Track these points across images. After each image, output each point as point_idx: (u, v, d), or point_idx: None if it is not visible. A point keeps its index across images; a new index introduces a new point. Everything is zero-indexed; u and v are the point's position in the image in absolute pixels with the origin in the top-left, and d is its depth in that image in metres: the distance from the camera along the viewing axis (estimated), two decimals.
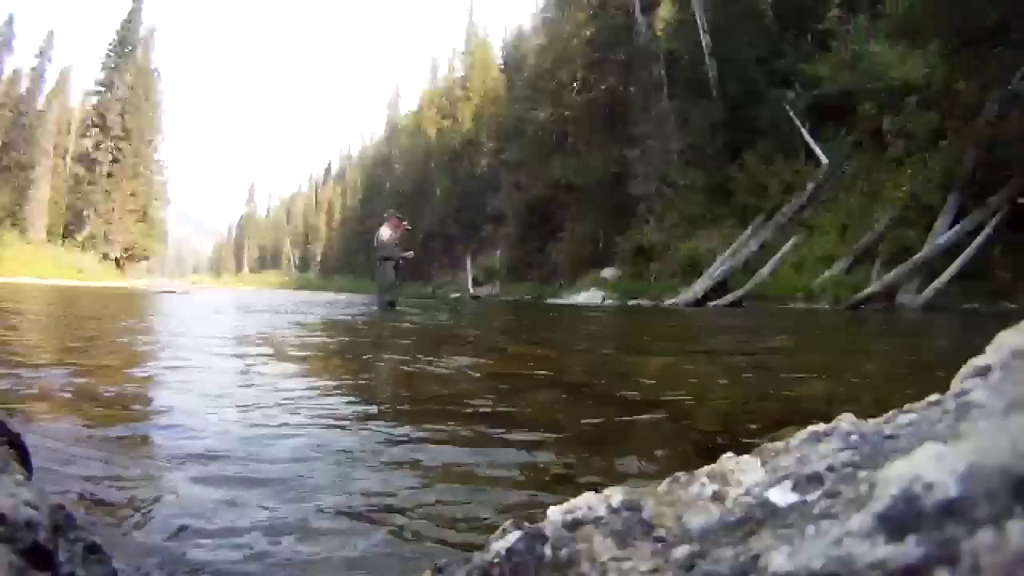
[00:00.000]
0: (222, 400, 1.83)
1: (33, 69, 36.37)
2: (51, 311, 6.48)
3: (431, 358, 3.18)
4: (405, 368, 2.77)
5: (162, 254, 52.92)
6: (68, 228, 35.88)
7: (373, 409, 1.82)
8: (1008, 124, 10.02)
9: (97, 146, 36.27)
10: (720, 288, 13.52)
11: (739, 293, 12.84)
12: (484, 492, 1.08)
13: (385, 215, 8.58)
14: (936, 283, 9.66)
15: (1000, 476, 0.26)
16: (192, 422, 1.51)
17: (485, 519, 0.94)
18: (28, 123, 34.91)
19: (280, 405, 1.79)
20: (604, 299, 16.16)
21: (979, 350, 0.45)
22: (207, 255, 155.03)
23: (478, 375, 2.55)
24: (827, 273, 11.71)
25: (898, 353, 3.94)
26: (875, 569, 0.26)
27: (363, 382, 2.30)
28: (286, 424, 1.55)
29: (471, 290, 26.43)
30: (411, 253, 9.07)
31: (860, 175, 13.98)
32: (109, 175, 36.12)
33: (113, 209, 35.71)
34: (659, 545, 0.39)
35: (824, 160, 15.20)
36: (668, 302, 13.88)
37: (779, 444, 0.51)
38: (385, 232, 8.13)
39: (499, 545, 0.43)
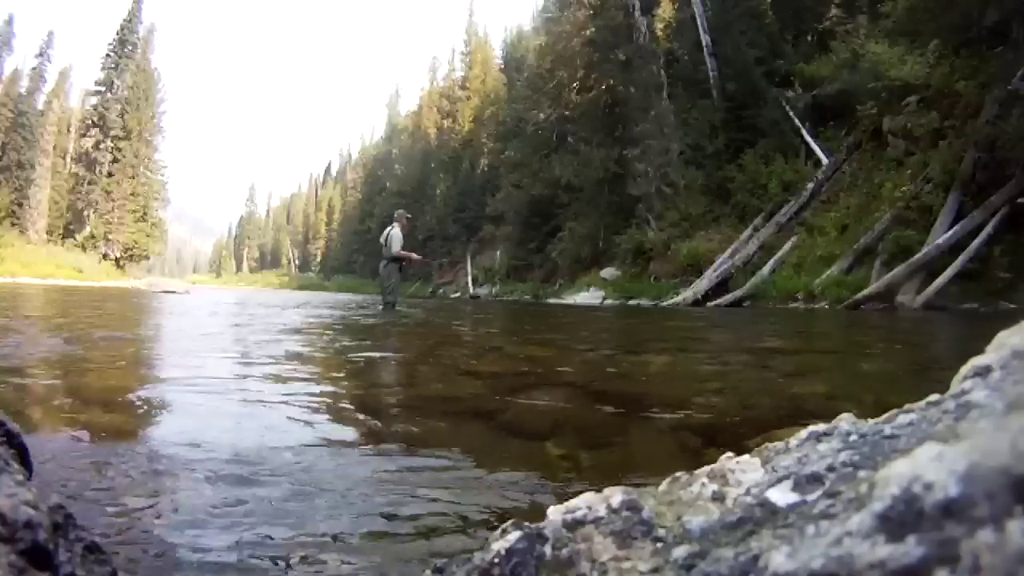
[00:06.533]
0: (224, 400, 1.83)
1: (33, 69, 36.36)
2: (52, 312, 6.48)
3: (431, 358, 3.18)
4: (405, 368, 2.78)
5: (162, 254, 52.92)
6: (68, 228, 35.88)
7: (372, 409, 1.82)
8: (1008, 124, 10.01)
9: (97, 146, 36.25)
10: (720, 288, 13.50)
11: (739, 293, 12.83)
12: (483, 492, 1.08)
13: (395, 215, 8.26)
14: (936, 283, 9.65)
15: (1000, 476, 0.26)
16: (193, 422, 1.51)
17: (484, 519, 0.94)
18: (28, 123, 34.88)
19: (281, 405, 1.78)
20: (604, 299, 16.14)
21: (979, 350, 0.45)
22: (207, 255, 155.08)
23: (477, 375, 2.55)
24: (827, 273, 11.70)
25: (898, 353, 3.94)
26: (875, 569, 0.26)
27: (363, 382, 2.30)
28: (287, 424, 1.55)
29: (471, 290, 26.43)
30: (419, 256, 8.88)
31: (860, 175, 13.98)
32: (109, 175, 36.10)
33: (113, 209, 35.69)
34: (659, 545, 0.39)
35: (824, 160, 15.20)
36: (668, 302, 13.88)
37: (779, 444, 0.51)
38: (396, 233, 7.86)
39: (499, 545, 0.43)
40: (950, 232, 10.06)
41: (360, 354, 3.31)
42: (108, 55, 37.19)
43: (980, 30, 11.50)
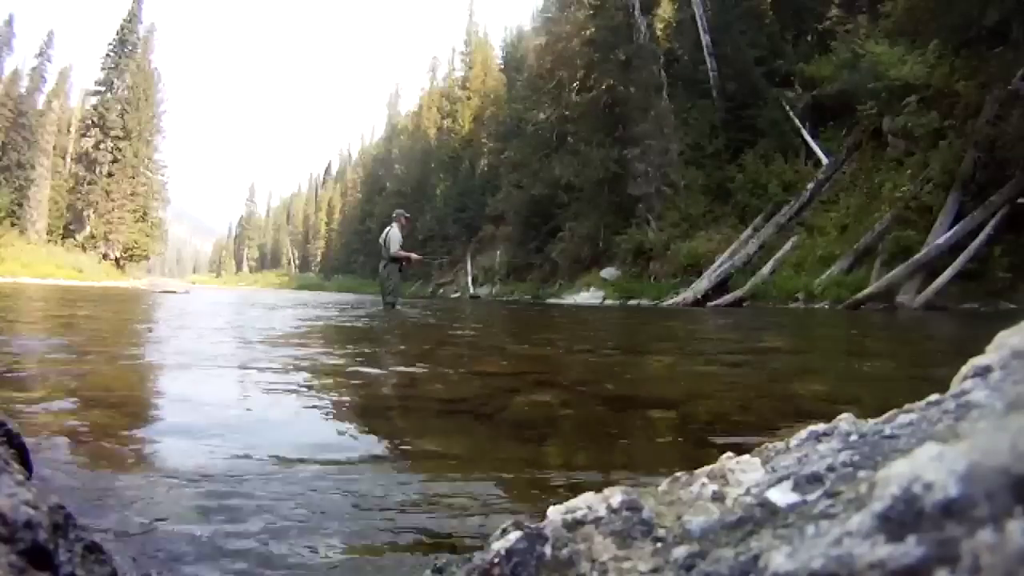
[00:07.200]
0: (225, 401, 1.83)
1: (33, 69, 36.35)
2: (54, 312, 6.48)
3: (431, 358, 3.18)
4: (405, 368, 2.77)
5: (162, 254, 52.99)
6: (68, 228, 35.87)
7: (371, 409, 1.82)
8: (1008, 124, 10.00)
9: (97, 146, 36.25)
10: (720, 288, 13.50)
11: (739, 293, 12.83)
12: (483, 492, 1.08)
13: (394, 215, 8.24)
14: (936, 283, 9.65)
15: (1000, 476, 0.26)
16: (195, 424, 1.51)
17: (484, 519, 0.94)
18: (28, 123, 34.88)
19: (282, 405, 1.78)
20: (604, 299, 16.15)
21: (979, 350, 0.45)
22: (207, 255, 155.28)
23: (477, 375, 2.55)
24: (827, 273, 11.70)
25: (898, 353, 3.94)
26: (875, 569, 0.26)
27: (364, 382, 2.30)
28: (285, 424, 1.55)
29: (471, 290, 26.43)
30: (419, 256, 8.86)
31: (860, 175, 13.98)
32: (109, 175, 36.11)
33: (113, 209, 35.68)
34: (659, 545, 0.39)
35: (824, 160, 15.20)
36: (668, 302, 13.88)
37: (779, 444, 0.51)
38: (395, 233, 7.85)
39: (499, 545, 0.43)
40: (950, 232, 10.06)
41: (360, 354, 3.31)
42: (108, 55, 37.19)
43: (980, 30, 11.50)
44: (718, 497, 0.43)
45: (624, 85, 19.03)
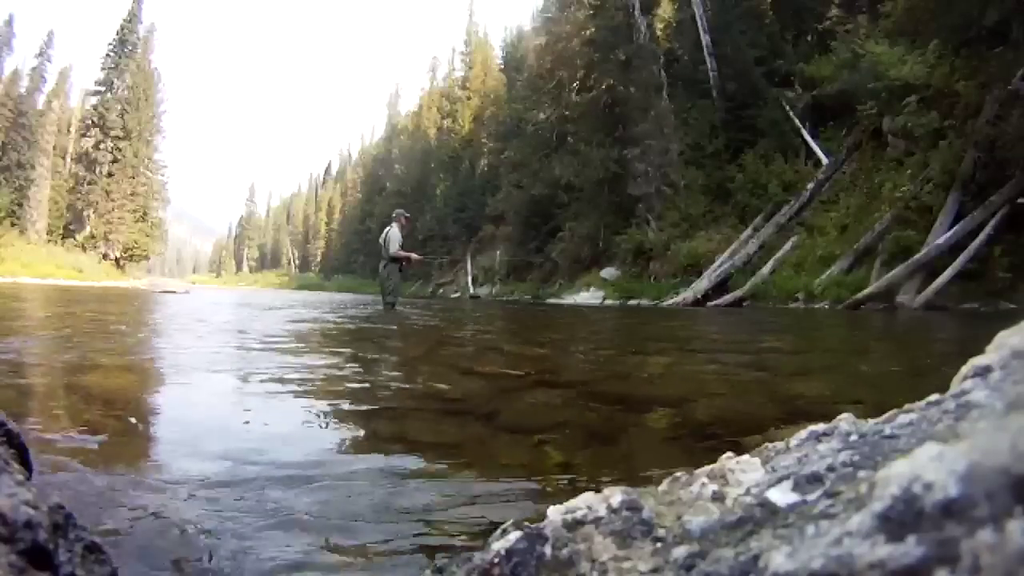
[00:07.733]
0: (226, 401, 1.83)
1: (33, 69, 36.32)
2: (59, 312, 6.48)
3: (431, 358, 3.18)
4: (404, 368, 2.78)
5: (162, 254, 52.99)
6: (68, 228, 35.85)
7: (370, 409, 1.82)
8: (1008, 124, 10.00)
9: (97, 146, 36.23)
10: (720, 288, 13.50)
11: (739, 293, 12.82)
12: (483, 493, 1.07)
13: (394, 215, 8.23)
14: (936, 283, 9.65)
15: (1000, 476, 0.26)
16: (195, 422, 1.51)
17: (484, 519, 0.94)
18: (28, 123, 34.86)
19: (282, 406, 1.78)
20: (604, 299, 16.15)
21: (979, 350, 0.45)
22: (207, 255, 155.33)
23: (477, 375, 2.55)
24: (827, 273, 11.70)
25: (898, 353, 3.94)
26: (875, 569, 0.26)
27: (363, 382, 2.30)
28: (283, 424, 1.55)
29: (471, 290, 26.43)
30: (418, 256, 8.84)
31: (860, 175, 13.98)
32: (109, 175, 36.09)
33: (113, 209, 35.66)
34: (659, 545, 0.39)
35: (824, 160, 15.20)
36: (668, 302, 13.88)
37: (779, 444, 0.51)
38: (395, 233, 7.85)
39: (499, 545, 0.43)
40: (950, 232, 10.06)
41: (359, 355, 3.31)
42: (108, 55, 37.16)
43: (980, 30, 11.49)
44: (718, 497, 0.43)
45: (624, 85, 19.02)
